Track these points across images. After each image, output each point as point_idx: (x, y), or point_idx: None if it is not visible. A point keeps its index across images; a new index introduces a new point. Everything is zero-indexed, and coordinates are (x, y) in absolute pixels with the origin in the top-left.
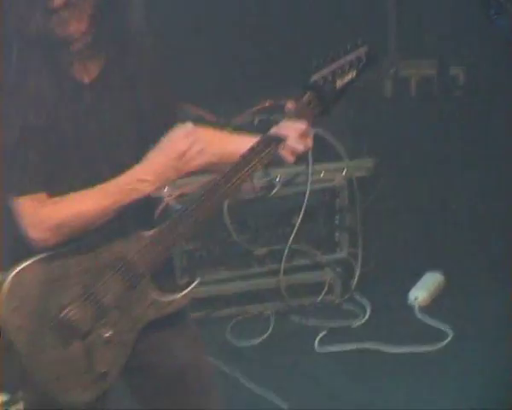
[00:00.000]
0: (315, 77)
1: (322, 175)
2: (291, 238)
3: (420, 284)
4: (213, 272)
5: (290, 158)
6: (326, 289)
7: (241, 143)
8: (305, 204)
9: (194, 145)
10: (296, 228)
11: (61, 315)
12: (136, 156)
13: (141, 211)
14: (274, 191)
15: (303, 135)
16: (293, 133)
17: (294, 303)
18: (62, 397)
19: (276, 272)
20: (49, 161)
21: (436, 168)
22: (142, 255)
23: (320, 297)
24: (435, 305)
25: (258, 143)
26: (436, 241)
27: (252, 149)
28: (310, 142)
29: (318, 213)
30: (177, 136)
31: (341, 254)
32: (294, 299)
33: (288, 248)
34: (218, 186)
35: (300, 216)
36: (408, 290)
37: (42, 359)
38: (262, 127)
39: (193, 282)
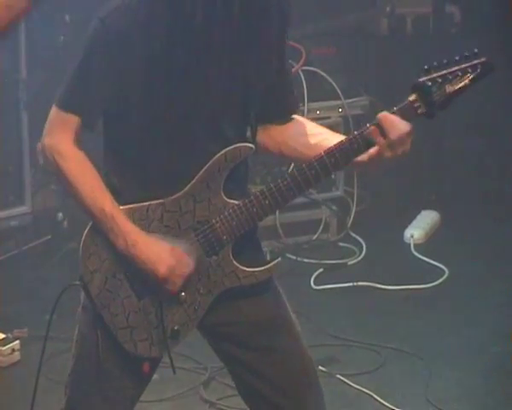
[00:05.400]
0: (424, 78)
1: (318, 113)
2: None
3: (416, 222)
4: None
5: (387, 154)
6: (322, 227)
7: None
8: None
9: (176, 269)
10: (292, 166)
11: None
12: (236, 126)
13: (233, 180)
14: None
15: (405, 137)
16: (397, 132)
17: (290, 241)
18: (129, 347)
19: None
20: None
21: None
22: (225, 223)
23: (316, 235)
24: (431, 243)
25: (359, 134)
26: (432, 179)
27: (350, 140)
28: (408, 146)
29: None
30: (165, 255)
31: (337, 192)
32: (290, 237)
33: None
34: (312, 168)
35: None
36: (404, 228)
37: (114, 306)
38: None
39: (275, 259)
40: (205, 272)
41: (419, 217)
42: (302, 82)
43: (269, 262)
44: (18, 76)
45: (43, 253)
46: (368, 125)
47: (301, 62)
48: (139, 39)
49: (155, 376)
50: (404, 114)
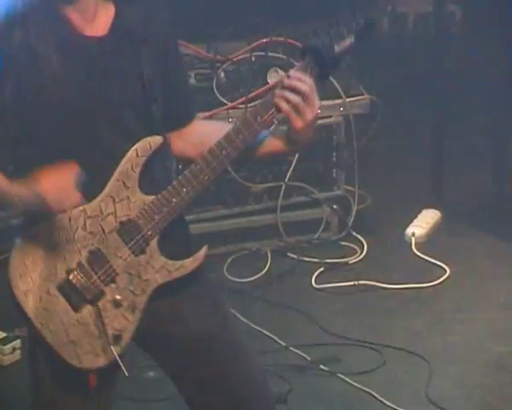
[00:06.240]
0: (313, 42)
1: (319, 112)
2: (288, 175)
3: (417, 220)
4: (210, 210)
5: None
6: (323, 226)
7: None
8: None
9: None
10: (293, 165)
11: (69, 279)
12: (140, 122)
13: (151, 174)
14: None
15: (310, 92)
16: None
17: (291, 240)
18: (74, 361)
19: (273, 209)
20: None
21: (433, 105)
22: (148, 218)
23: (317, 234)
24: (432, 242)
25: (260, 105)
26: (433, 178)
27: (254, 113)
28: (316, 105)
29: (315, 151)
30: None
31: (338, 191)
32: (292, 236)
33: (285, 185)
34: (222, 148)
35: (297, 153)
36: (405, 227)
37: (52, 323)
38: (259, 63)
39: (201, 248)
40: (136, 272)
41: (420, 216)
42: None
43: (197, 251)
44: None
45: None
46: (269, 96)
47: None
48: (25, 63)
49: (154, 375)
50: None
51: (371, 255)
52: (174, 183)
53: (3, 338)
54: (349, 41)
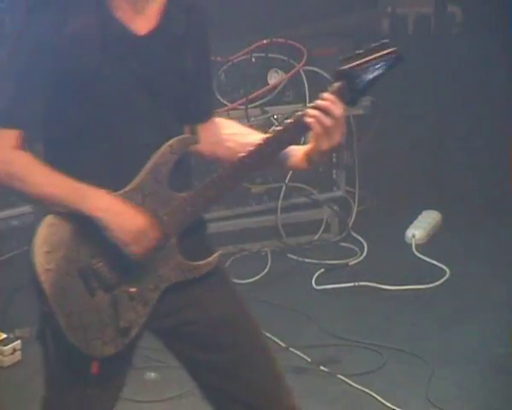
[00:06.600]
0: (347, 67)
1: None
2: (288, 176)
3: (417, 222)
4: (210, 210)
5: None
6: (323, 227)
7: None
8: (302, 142)
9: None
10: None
11: (91, 264)
12: (177, 118)
13: (177, 173)
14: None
15: (341, 119)
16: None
17: (292, 241)
18: (82, 346)
19: (273, 210)
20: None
21: (433, 106)
22: (172, 216)
23: (317, 235)
24: (432, 243)
25: (295, 121)
26: (433, 179)
27: (286, 127)
28: (342, 131)
29: None
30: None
31: (339, 192)
32: (292, 237)
33: (285, 186)
34: (250, 156)
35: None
36: (405, 228)
37: (67, 303)
38: (259, 65)
39: (214, 252)
40: (153, 267)
41: (420, 217)
42: (303, 82)
43: (211, 255)
44: None
45: None
46: (300, 112)
47: (303, 62)
48: (69, 43)
49: (155, 376)
50: None
51: (371, 256)
52: (202, 185)
53: (4, 339)
54: (378, 72)
